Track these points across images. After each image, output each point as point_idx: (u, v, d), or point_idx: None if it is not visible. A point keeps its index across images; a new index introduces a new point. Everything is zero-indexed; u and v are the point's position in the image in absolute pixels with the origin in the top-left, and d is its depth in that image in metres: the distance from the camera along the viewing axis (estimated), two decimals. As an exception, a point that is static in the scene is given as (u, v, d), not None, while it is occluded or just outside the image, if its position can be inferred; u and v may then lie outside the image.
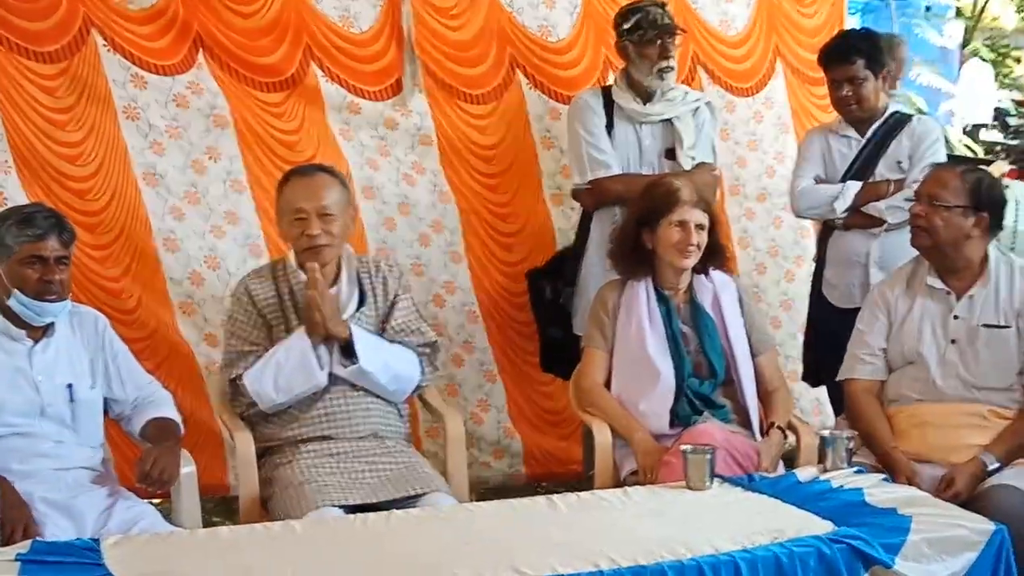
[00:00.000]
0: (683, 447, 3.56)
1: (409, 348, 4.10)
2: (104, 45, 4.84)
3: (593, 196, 4.81)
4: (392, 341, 4.08)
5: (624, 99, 4.80)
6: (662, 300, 4.14)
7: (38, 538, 3.13)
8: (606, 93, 4.86)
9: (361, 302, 4.08)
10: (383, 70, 5.22)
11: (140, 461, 3.58)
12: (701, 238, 4.05)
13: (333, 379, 3.96)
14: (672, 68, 4.79)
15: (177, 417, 3.90)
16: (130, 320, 4.90)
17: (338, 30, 5.16)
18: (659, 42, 4.75)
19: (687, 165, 4.75)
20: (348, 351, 3.94)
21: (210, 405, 4.88)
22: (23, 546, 2.85)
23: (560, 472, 5.48)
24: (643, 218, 4.12)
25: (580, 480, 4.98)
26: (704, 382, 4.08)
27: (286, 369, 3.90)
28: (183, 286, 5.07)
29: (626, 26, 4.81)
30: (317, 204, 3.92)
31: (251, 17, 5.02)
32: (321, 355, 3.91)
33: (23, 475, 3.50)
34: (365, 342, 3.96)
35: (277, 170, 4.97)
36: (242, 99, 5.06)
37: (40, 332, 3.67)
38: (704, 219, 4.06)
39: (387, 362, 3.99)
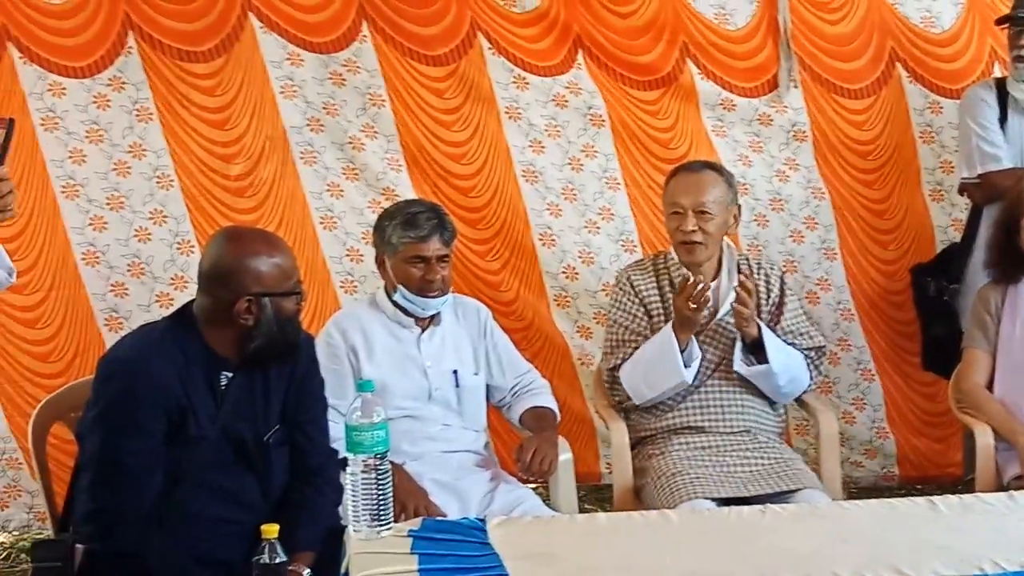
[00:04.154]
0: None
1: (799, 351, 4.03)
2: (489, 48, 5.02)
3: (982, 190, 4.64)
4: (783, 340, 4.02)
5: (1019, 90, 4.59)
6: (1049, 302, 3.84)
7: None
8: (1000, 85, 4.67)
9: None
10: (759, 66, 5.21)
11: (520, 450, 3.67)
12: None
13: (710, 372, 3.95)
14: None
15: (554, 406, 3.97)
16: (508, 311, 5.02)
17: (714, 27, 5.19)
18: None
19: None
20: (752, 349, 3.92)
21: (583, 395, 5.05)
22: (415, 523, 2.94)
23: (936, 475, 5.34)
24: (1006, 220, 4.00)
25: (957, 484, 4.89)
26: (1094, 387, 3.76)
27: (655, 365, 3.91)
28: (558, 279, 5.15)
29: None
30: (696, 200, 3.91)
31: (629, 17, 5.10)
32: (691, 352, 3.90)
33: (413, 456, 3.65)
34: (774, 343, 3.92)
35: (651, 168, 5.14)
36: (618, 98, 5.13)
37: (428, 321, 3.80)
38: None
39: (786, 364, 3.94)
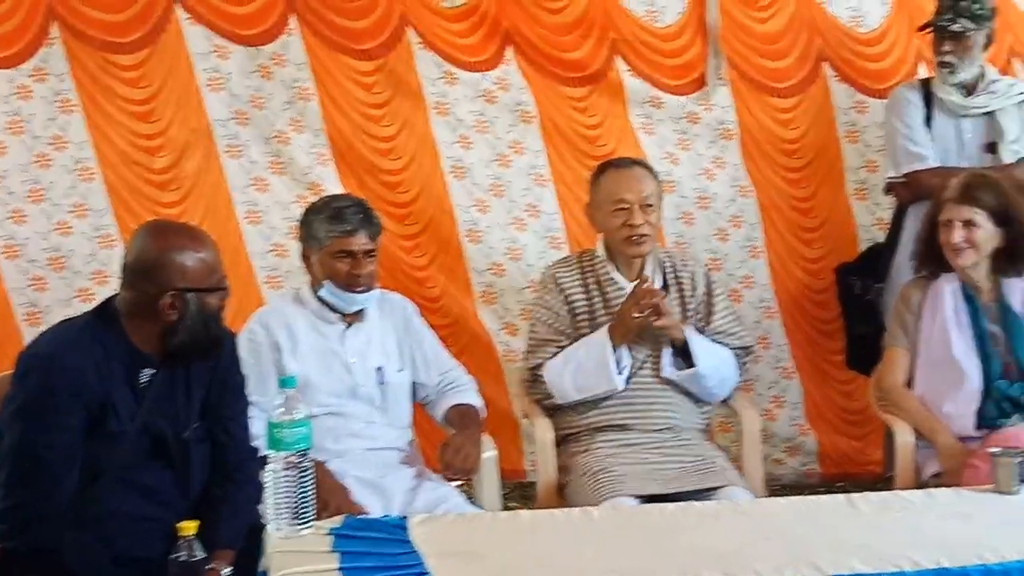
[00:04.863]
0: (991, 449, 3.40)
1: (729, 350, 4.05)
2: (418, 43, 5.01)
3: (908, 189, 4.67)
4: (713, 340, 4.04)
5: (945, 91, 4.62)
6: (969, 300, 3.98)
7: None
8: (925, 86, 4.71)
9: (665, 290, 4.06)
10: (687, 64, 5.22)
11: (444, 448, 3.64)
12: (972, 235, 3.89)
13: (636, 369, 3.95)
14: (952, 64, 4.60)
15: (479, 403, 3.96)
16: (434, 307, 4.98)
17: (643, 24, 5.19)
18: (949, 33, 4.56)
19: (1009, 159, 4.57)
20: (680, 351, 3.93)
21: (508, 392, 4.96)
22: (336, 521, 2.92)
23: (856, 472, 5.36)
24: (933, 214, 4.02)
25: (877, 481, 4.88)
26: (1014, 384, 3.90)
27: (585, 368, 3.91)
28: (485, 276, 5.15)
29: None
30: (640, 195, 3.93)
31: (559, 13, 5.10)
32: (621, 357, 3.91)
33: (336, 454, 3.60)
34: (702, 347, 3.94)
35: (579, 164, 5.10)
36: (547, 94, 5.13)
37: (353, 317, 3.76)
38: (977, 215, 3.89)
39: (717, 366, 3.97)
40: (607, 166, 4.10)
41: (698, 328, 4.02)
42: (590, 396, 3.92)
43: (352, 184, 4.94)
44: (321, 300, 3.73)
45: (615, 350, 3.87)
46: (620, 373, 3.87)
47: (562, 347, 3.97)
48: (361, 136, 4.97)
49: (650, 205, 3.94)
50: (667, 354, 3.93)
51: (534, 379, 4.01)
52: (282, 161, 4.93)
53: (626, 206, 3.93)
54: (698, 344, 3.91)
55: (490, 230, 5.13)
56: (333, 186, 4.87)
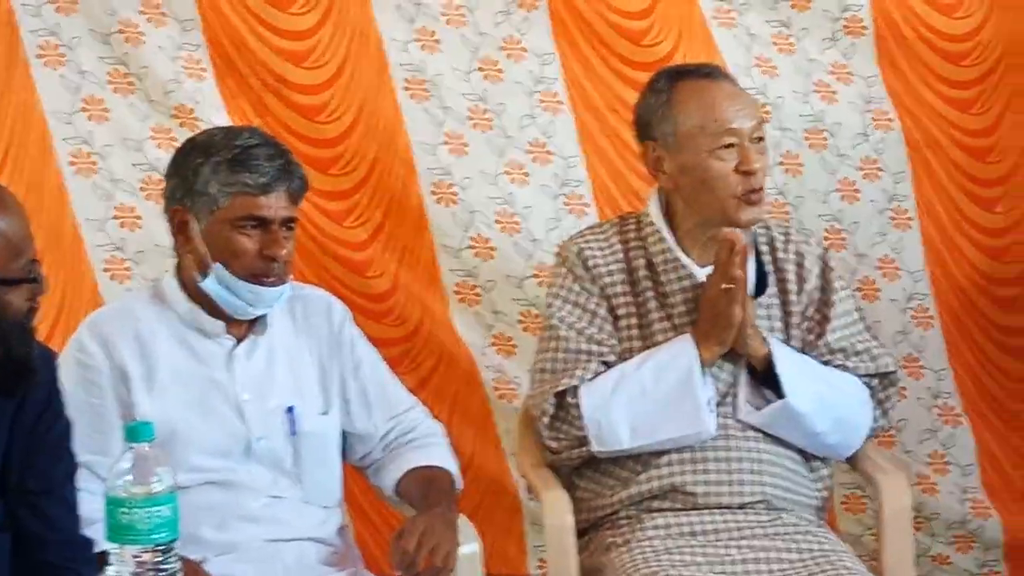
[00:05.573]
0: None
1: (854, 377, 3.87)
2: None
3: None
4: (826, 363, 3.81)
5: None
6: None
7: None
8: None
9: (759, 289, 3.79)
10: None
11: (399, 539, 3.33)
12: None
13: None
14: None
15: (453, 465, 3.71)
16: (381, 310, 4.74)
17: None
18: None
19: None
20: (765, 380, 3.74)
21: (500, 446, 4.82)
22: None
23: None
24: None
25: None
26: None
27: (656, 399, 3.62)
28: (463, 259, 4.84)
29: None
30: (754, 122, 3.68)
31: None
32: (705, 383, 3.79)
33: (220, 548, 3.36)
34: (793, 366, 3.69)
35: (614, 77, 4.75)
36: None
37: (245, 328, 3.52)
38: None
39: (825, 398, 3.69)
40: (682, 74, 3.79)
41: (805, 345, 3.79)
42: (659, 443, 3.62)
43: (245, 109, 4.65)
44: (197, 299, 3.46)
45: (704, 370, 3.63)
46: (710, 408, 3.71)
47: (607, 363, 3.69)
48: (257, 30, 4.63)
49: (762, 139, 3.74)
50: (743, 383, 3.70)
51: (560, 411, 3.68)
52: (131, 73, 4.56)
53: (734, 140, 3.63)
54: (788, 361, 3.67)
55: (470, 183, 4.82)
56: (214, 112, 4.60)
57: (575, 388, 3.72)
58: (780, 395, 3.70)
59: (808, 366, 3.78)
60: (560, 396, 3.74)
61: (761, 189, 3.73)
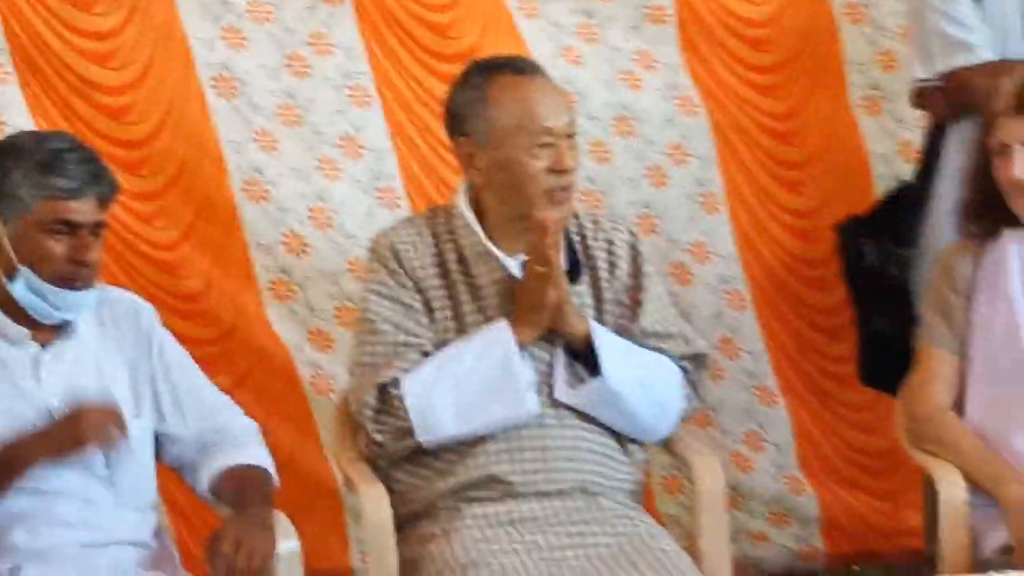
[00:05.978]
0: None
1: (668, 359, 3.94)
2: None
3: (949, 97, 4.45)
4: (642, 347, 3.92)
5: None
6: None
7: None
8: None
9: (572, 277, 3.89)
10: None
11: (215, 539, 3.39)
12: None
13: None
14: None
15: (268, 463, 3.79)
16: (192, 310, 4.86)
17: None
18: None
19: None
20: (584, 359, 3.81)
21: (320, 442, 4.92)
22: None
23: (882, 549, 5.27)
24: (982, 140, 3.90)
25: (915, 562, 4.75)
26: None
27: (477, 383, 3.73)
28: (276, 256, 4.97)
29: None
30: (567, 119, 3.80)
31: None
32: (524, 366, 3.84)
33: (34, 556, 3.42)
34: (611, 344, 3.78)
35: (422, 69, 4.99)
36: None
37: (51, 332, 3.57)
38: None
39: (642, 379, 3.81)
40: (494, 68, 3.90)
41: (619, 331, 3.90)
42: (485, 427, 3.72)
43: (48, 110, 4.73)
44: (2, 305, 3.53)
45: (522, 352, 3.74)
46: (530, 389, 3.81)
47: (426, 354, 3.81)
48: (59, 29, 4.70)
49: (573, 135, 3.85)
50: (561, 363, 3.83)
51: (384, 405, 3.77)
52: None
53: (551, 140, 3.76)
54: (606, 340, 3.80)
55: (281, 180, 4.93)
56: (17, 115, 4.68)
57: (396, 380, 3.80)
58: (597, 375, 3.81)
59: (625, 346, 3.88)
60: (382, 389, 3.80)
61: (569, 187, 3.84)
